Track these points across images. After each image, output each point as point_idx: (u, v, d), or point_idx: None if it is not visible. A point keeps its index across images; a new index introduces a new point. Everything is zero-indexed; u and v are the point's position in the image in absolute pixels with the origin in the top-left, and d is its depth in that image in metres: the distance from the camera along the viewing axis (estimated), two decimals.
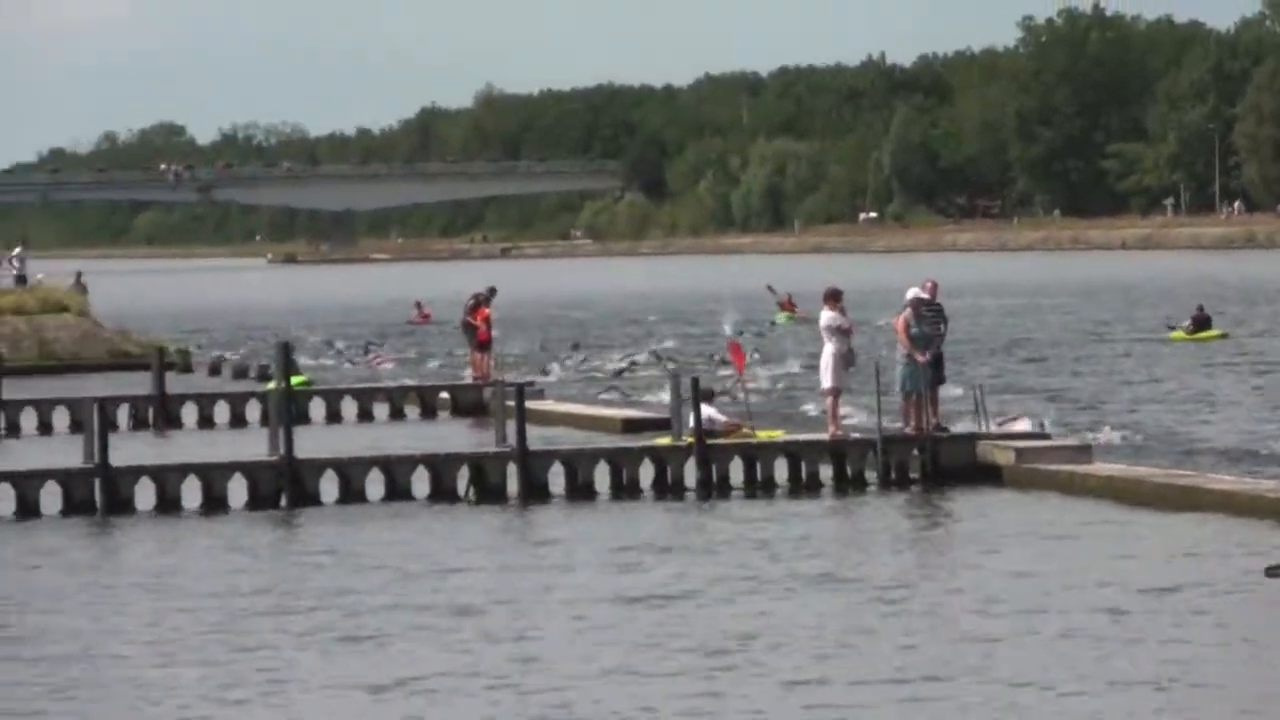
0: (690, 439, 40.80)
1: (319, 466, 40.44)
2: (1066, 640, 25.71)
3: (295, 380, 48.93)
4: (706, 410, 41.52)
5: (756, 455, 41.11)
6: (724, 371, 60.04)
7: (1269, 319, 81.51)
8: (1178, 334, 76.41)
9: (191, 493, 39.62)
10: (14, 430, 57.04)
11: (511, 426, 40.59)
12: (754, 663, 25.07)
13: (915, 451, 40.84)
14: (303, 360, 68.36)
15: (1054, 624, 26.67)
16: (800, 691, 23.55)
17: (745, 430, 42.46)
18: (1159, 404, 54.17)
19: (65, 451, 44.32)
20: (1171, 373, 64.33)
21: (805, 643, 26.14)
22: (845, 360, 41.35)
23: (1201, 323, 76.59)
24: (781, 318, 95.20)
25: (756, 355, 69.24)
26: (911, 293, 41.59)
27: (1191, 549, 32.00)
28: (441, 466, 40.57)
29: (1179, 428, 48.49)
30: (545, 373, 71.41)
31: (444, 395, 59.78)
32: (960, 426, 42.54)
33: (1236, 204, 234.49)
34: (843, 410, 42.67)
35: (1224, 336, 75.60)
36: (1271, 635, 25.73)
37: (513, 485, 39.98)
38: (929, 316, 41.29)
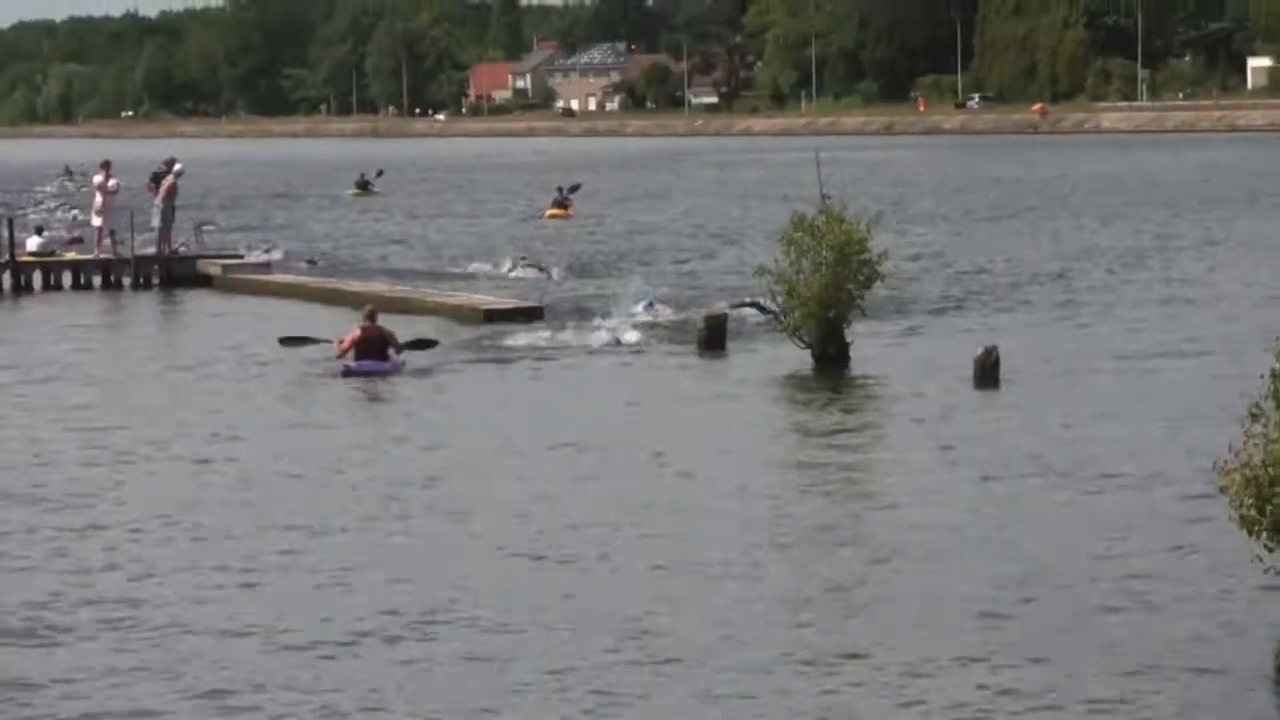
0: None
1: None
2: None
3: None
4: (36, 240, 40.84)
5: (51, 268, 39.78)
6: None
7: (400, 183, 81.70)
8: (355, 192, 75.70)
9: None
10: None
11: None
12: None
13: (156, 266, 40.03)
14: None
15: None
16: None
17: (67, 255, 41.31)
18: (344, 236, 53.47)
19: None
20: (352, 216, 63.53)
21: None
22: (110, 211, 40.32)
23: (363, 185, 76.45)
24: (69, 184, 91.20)
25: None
26: (178, 166, 40.76)
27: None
28: None
29: (357, 254, 47.84)
30: None
31: None
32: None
33: (440, 113, 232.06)
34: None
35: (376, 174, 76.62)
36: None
37: None
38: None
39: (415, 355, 26.77)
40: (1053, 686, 12.13)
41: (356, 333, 26.35)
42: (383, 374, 25.87)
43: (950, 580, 14.71)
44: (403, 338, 27.17)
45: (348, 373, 25.86)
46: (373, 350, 26.16)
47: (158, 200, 40.20)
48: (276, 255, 44.68)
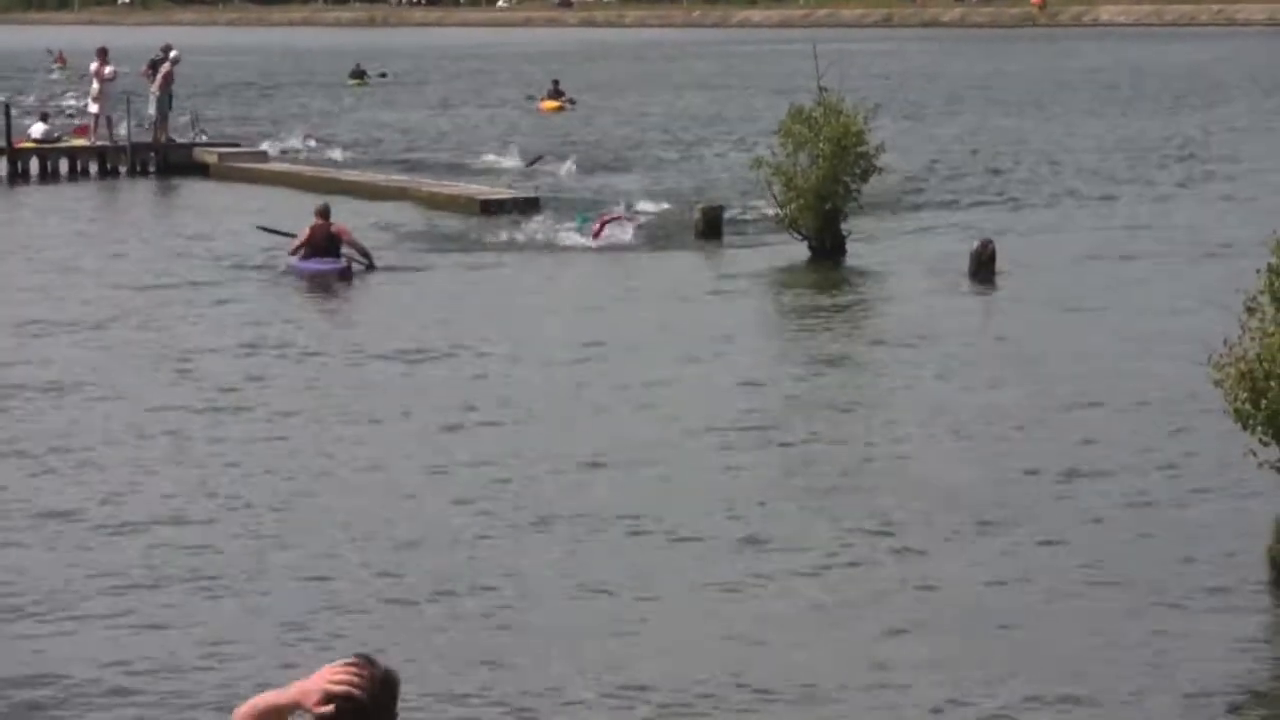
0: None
1: None
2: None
3: None
4: (41, 127, 40.30)
5: (48, 155, 39.68)
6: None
7: (399, 73, 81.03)
8: (352, 82, 74.51)
9: None
10: None
11: None
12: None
13: (153, 154, 39.89)
14: None
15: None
16: None
17: (77, 141, 40.92)
18: (340, 125, 52.95)
19: None
20: (350, 107, 62.96)
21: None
22: (107, 98, 40.03)
23: (358, 75, 75.41)
24: (60, 70, 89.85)
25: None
26: (174, 53, 40.67)
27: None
28: None
29: (357, 143, 47.34)
30: None
31: None
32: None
33: None
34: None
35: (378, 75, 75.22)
36: None
37: None
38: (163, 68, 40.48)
39: (405, 251, 26.24)
40: (1044, 579, 12.15)
41: (306, 231, 25.25)
42: (331, 273, 24.61)
43: (935, 470, 14.72)
44: (404, 229, 26.94)
45: (289, 271, 24.89)
46: (320, 249, 24.95)
47: (154, 88, 40.06)
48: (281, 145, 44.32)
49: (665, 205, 31.27)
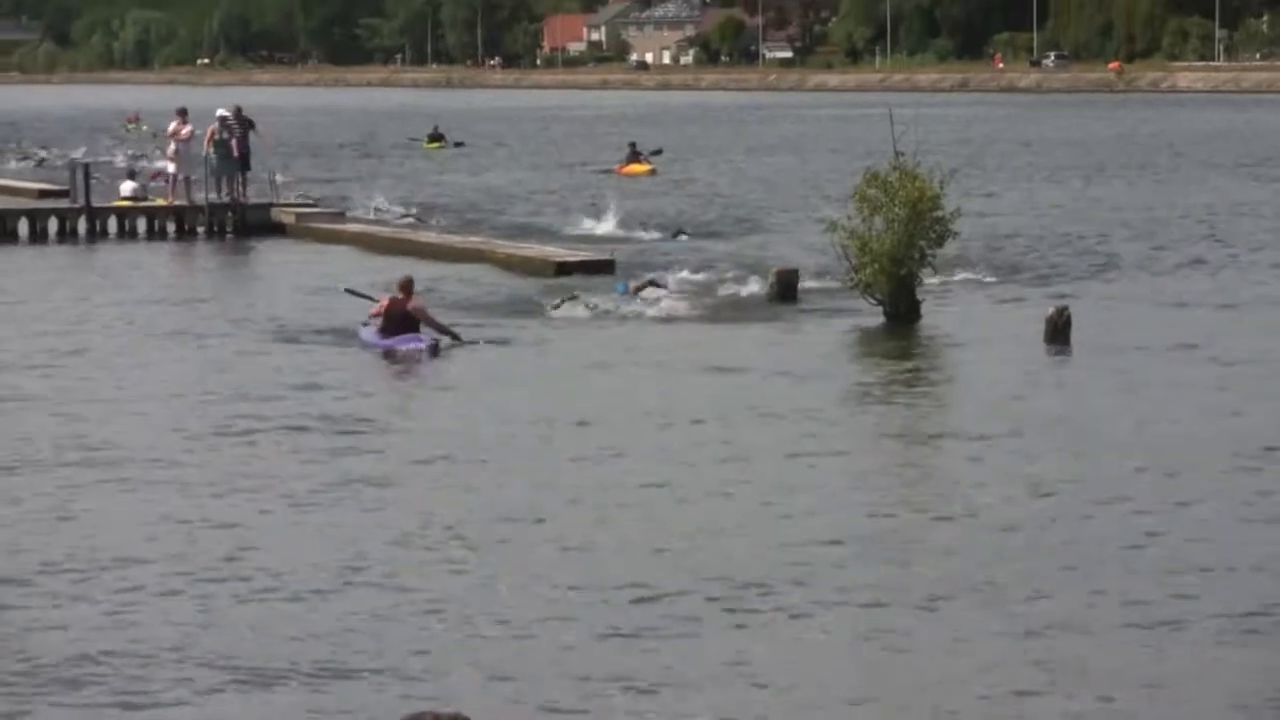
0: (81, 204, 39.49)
1: None
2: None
3: None
4: (130, 184, 41.41)
5: (125, 214, 39.99)
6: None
7: (476, 134, 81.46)
8: (429, 145, 74.79)
9: None
10: None
11: None
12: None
13: (230, 214, 40.10)
14: None
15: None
16: None
17: (159, 201, 41.25)
18: (417, 186, 53.36)
19: None
20: (426, 167, 63.44)
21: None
22: (185, 157, 40.29)
23: (436, 137, 75.48)
24: (132, 129, 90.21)
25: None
26: (219, 112, 40.87)
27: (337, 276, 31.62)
28: None
29: (432, 199, 47.72)
30: None
31: None
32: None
33: (498, 59, 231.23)
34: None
35: (454, 144, 74.73)
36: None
37: None
38: (231, 127, 40.43)
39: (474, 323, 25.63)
40: (1118, 651, 12.01)
41: (384, 302, 23.82)
42: (416, 352, 23.06)
43: (1007, 539, 14.59)
44: (480, 291, 26.70)
45: (366, 345, 23.58)
46: (397, 325, 23.51)
47: (206, 147, 40.10)
48: (359, 208, 44.47)
49: (739, 269, 31.19)
